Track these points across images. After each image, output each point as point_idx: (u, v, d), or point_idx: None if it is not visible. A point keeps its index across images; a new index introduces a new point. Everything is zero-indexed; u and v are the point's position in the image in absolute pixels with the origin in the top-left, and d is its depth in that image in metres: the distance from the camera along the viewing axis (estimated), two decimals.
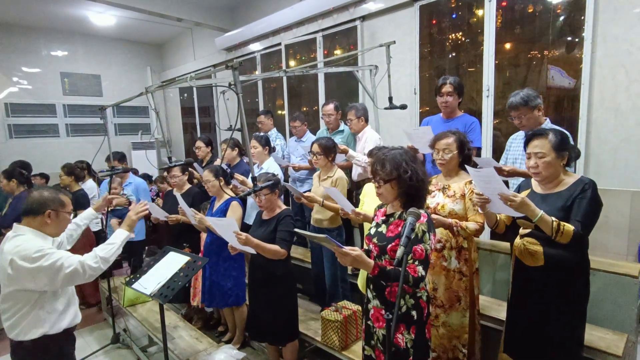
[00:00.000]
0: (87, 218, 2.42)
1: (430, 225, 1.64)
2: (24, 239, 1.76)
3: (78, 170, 4.34)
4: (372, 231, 1.83)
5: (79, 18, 6.81)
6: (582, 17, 2.98)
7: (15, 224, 1.84)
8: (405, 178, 1.66)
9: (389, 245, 1.68)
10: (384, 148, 1.84)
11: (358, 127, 3.47)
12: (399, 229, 1.68)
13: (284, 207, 2.58)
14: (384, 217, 1.82)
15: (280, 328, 2.53)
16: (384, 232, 1.75)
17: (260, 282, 2.55)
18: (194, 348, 2.67)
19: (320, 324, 2.64)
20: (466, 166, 2.01)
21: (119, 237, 2.06)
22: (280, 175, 3.20)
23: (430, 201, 2.30)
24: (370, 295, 1.82)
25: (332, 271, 3.01)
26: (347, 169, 3.50)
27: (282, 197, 2.69)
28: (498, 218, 2.05)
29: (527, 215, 1.73)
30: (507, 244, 2.61)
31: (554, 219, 1.69)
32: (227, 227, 2.29)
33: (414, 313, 1.70)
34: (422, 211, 1.63)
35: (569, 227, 1.68)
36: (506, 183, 2.63)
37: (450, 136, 2.23)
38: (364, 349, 1.88)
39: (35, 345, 1.80)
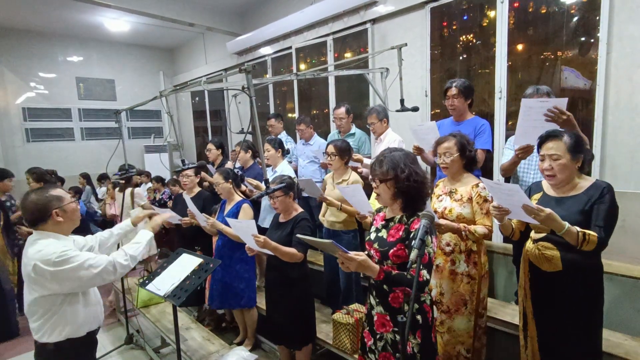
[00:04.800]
0: (122, 229, 2.33)
1: (432, 228, 1.62)
2: (46, 243, 1.75)
3: (48, 177, 4.38)
4: (372, 236, 1.79)
5: (94, 24, 6.97)
6: (597, 18, 2.93)
7: (34, 230, 1.83)
8: (402, 178, 1.64)
9: (391, 250, 1.65)
10: (387, 150, 1.81)
11: (381, 130, 3.42)
12: (400, 233, 1.66)
13: (300, 209, 2.57)
14: (383, 222, 1.79)
15: (296, 331, 2.52)
16: (385, 237, 1.72)
17: (276, 284, 2.56)
18: (206, 349, 2.69)
19: (331, 327, 2.63)
20: (485, 180, 1.93)
21: (144, 237, 2.12)
22: (296, 179, 3.19)
23: (438, 205, 2.27)
24: (373, 301, 1.78)
25: (347, 274, 3.00)
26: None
27: (298, 200, 2.68)
28: (514, 226, 2.01)
29: (551, 228, 1.69)
30: None
31: (578, 229, 1.64)
32: (246, 229, 2.31)
33: (418, 317, 1.67)
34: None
35: (594, 235, 1.64)
36: (507, 180, 2.59)
37: (450, 139, 2.22)
38: (366, 354, 1.81)
39: (58, 348, 1.81)
